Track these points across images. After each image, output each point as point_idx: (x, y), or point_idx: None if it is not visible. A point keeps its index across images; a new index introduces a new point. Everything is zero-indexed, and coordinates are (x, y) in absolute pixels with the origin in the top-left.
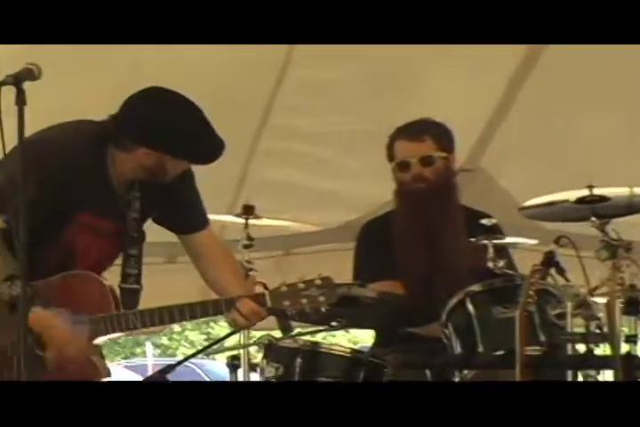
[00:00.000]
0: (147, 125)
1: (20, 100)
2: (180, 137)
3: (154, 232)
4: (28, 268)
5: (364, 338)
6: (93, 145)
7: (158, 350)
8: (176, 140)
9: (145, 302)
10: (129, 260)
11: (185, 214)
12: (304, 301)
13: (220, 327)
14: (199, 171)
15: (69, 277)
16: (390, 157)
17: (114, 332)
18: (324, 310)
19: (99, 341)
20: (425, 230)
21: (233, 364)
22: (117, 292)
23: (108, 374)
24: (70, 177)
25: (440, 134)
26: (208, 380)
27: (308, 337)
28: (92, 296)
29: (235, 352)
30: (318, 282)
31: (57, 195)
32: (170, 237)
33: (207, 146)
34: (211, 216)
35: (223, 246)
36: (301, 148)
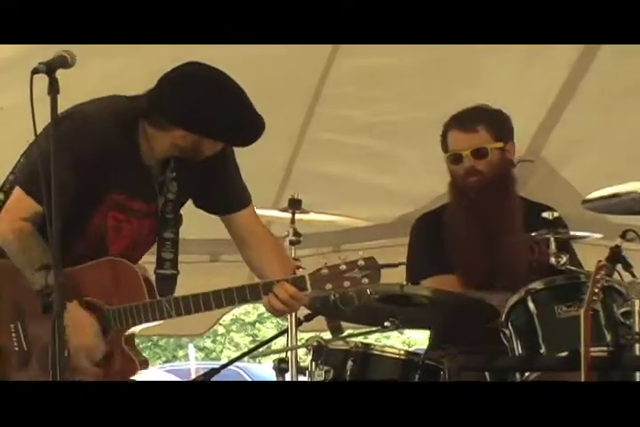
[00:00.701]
0: (184, 106)
1: (53, 89)
2: (219, 119)
3: (197, 230)
4: (61, 255)
5: (419, 340)
6: (125, 122)
7: (201, 353)
8: (215, 122)
9: None
10: (164, 244)
11: (224, 193)
12: (347, 283)
13: (267, 329)
14: (242, 162)
15: (102, 263)
16: (444, 148)
17: (147, 321)
18: (368, 292)
19: (132, 330)
20: (481, 225)
21: (280, 367)
22: (152, 278)
23: (146, 366)
24: (101, 155)
25: (495, 123)
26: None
27: (359, 339)
28: (123, 284)
29: (282, 355)
30: (361, 263)
31: (88, 174)
32: (213, 234)
33: (247, 128)
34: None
35: (266, 229)
36: (351, 139)
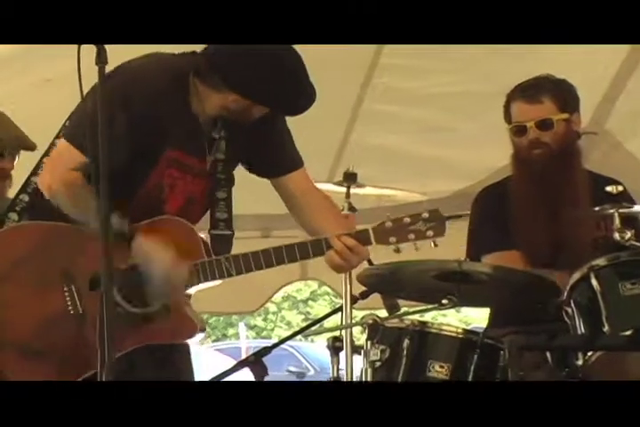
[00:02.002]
0: (242, 71)
1: (101, 59)
2: (275, 88)
3: (248, 205)
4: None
5: (477, 318)
6: (176, 78)
7: (252, 332)
8: (270, 90)
9: (243, 277)
10: (217, 204)
11: (275, 155)
12: (411, 236)
13: (320, 307)
14: (296, 134)
15: (157, 222)
16: (507, 119)
17: (206, 280)
18: (433, 246)
19: (191, 291)
20: (545, 199)
21: (334, 346)
22: (208, 239)
23: (203, 328)
24: (155, 111)
25: (560, 93)
26: (306, 363)
27: (416, 317)
28: (180, 242)
29: (336, 333)
30: (426, 215)
31: (144, 131)
32: (265, 209)
33: (300, 98)
34: None
35: (320, 190)
36: (408, 110)
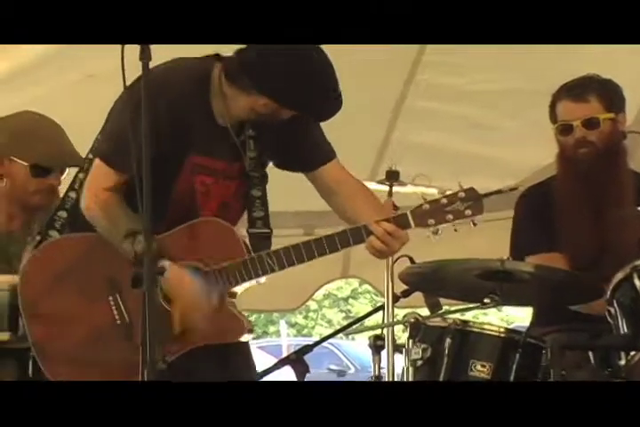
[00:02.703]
0: (273, 76)
1: (145, 55)
2: (305, 93)
3: (290, 202)
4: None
5: (519, 317)
6: (197, 81)
7: (293, 330)
8: (299, 95)
9: (284, 274)
10: (254, 202)
11: (307, 148)
12: (450, 217)
13: (360, 305)
14: (338, 132)
15: (195, 225)
16: (553, 119)
17: (250, 278)
18: (472, 225)
19: (237, 289)
20: (590, 199)
21: (376, 345)
22: (247, 239)
23: (251, 329)
24: (177, 116)
25: (606, 93)
26: (347, 362)
27: (457, 315)
28: (222, 243)
29: (378, 332)
30: (462, 195)
31: (166, 139)
32: (307, 206)
33: (330, 103)
34: None
35: (355, 178)
36: (451, 108)
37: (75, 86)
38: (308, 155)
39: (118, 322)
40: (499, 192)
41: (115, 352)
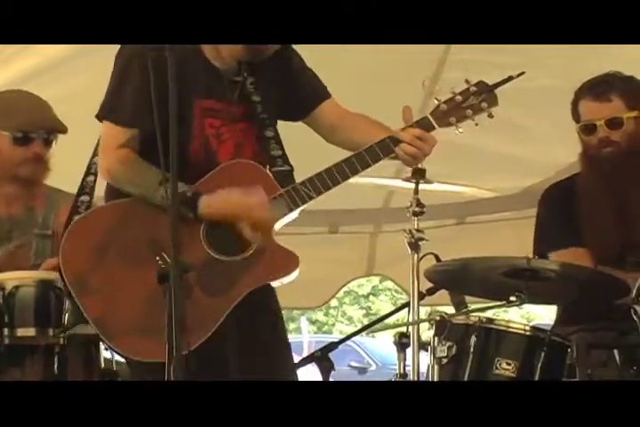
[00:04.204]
0: None
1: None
2: None
3: (315, 201)
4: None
5: (539, 314)
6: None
7: (313, 327)
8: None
9: (308, 272)
10: (269, 142)
11: (301, 89)
12: (469, 112)
13: (381, 302)
14: None
15: (223, 169)
16: (575, 118)
17: (290, 210)
18: (490, 118)
19: (282, 222)
20: (614, 198)
21: (401, 342)
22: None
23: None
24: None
25: (629, 91)
26: (368, 359)
27: (482, 314)
28: (255, 182)
29: (403, 330)
30: (474, 89)
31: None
32: (332, 204)
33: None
34: (377, 181)
35: (354, 112)
36: None
37: (96, 85)
38: (305, 94)
39: None
40: (509, 79)
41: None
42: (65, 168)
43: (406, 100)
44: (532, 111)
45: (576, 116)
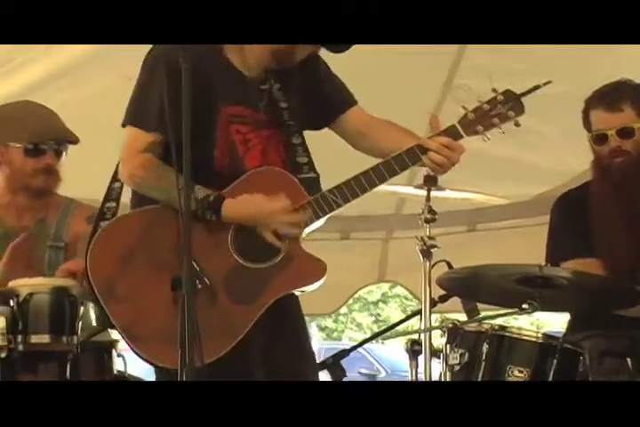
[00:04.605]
0: None
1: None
2: None
3: None
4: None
5: (549, 322)
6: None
7: (322, 334)
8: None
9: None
10: (296, 149)
11: (328, 95)
12: (496, 120)
13: (390, 309)
14: None
15: (251, 177)
16: (587, 127)
17: (317, 218)
18: (516, 126)
19: (309, 230)
20: (626, 207)
21: (413, 350)
22: None
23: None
24: (199, 69)
25: None
26: (378, 366)
27: (493, 321)
28: (282, 190)
29: (414, 337)
30: (501, 98)
31: (196, 97)
32: (343, 210)
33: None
34: (389, 188)
35: (381, 119)
36: None
37: (112, 90)
38: (332, 101)
39: (199, 286)
40: (536, 88)
41: (203, 320)
42: (80, 174)
43: (419, 105)
44: (543, 118)
45: (587, 125)
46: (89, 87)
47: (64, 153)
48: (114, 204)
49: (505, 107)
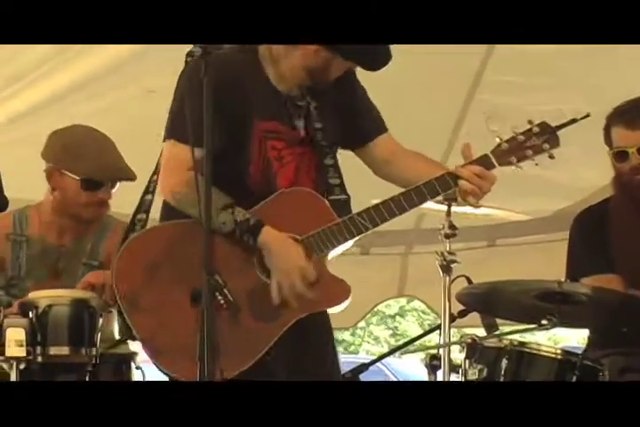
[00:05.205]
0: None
1: (207, 72)
2: None
3: None
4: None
5: (565, 337)
6: (249, 50)
7: (340, 347)
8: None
9: None
10: (328, 170)
11: (361, 118)
12: (529, 152)
13: (407, 323)
14: None
15: (281, 196)
16: (608, 143)
17: (345, 240)
18: (550, 158)
19: (335, 253)
20: None
21: (432, 364)
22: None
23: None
24: (235, 86)
25: None
26: (395, 379)
27: (512, 336)
28: (311, 211)
29: (433, 351)
30: (536, 129)
31: (231, 111)
32: None
33: (378, 52)
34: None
35: (409, 149)
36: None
37: (133, 101)
38: (365, 125)
39: (224, 305)
40: (573, 121)
41: (225, 336)
42: None
43: (440, 120)
44: (564, 134)
45: (608, 141)
46: (108, 99)
47: (117, 186)
48: (144, 215)
49: (540, 139)
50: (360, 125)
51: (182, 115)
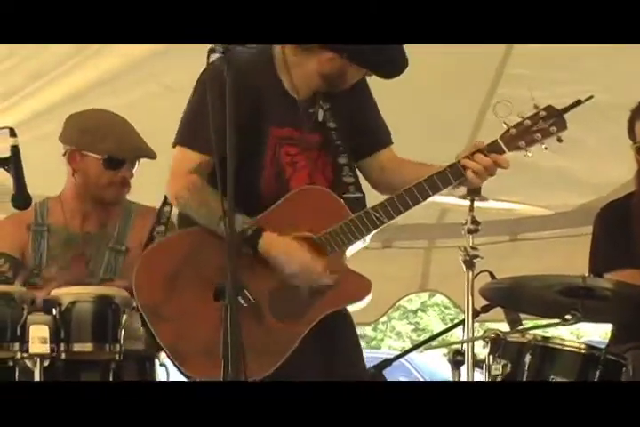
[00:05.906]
0: None
1: (229, 68)
2: (371, 49)
3: None
4: (235, 200)
5: (588, 331)
6: (262, 53)
7: (362, 342)
8: (366, 50)
9: None
10: (342, 169)
11: (372, 126)
12: (538, 136)
13: (429, 318)
14: (419, 144)
15: (294, 196)
16: (631, 137)
17: (361, 235)
18: (559, 142)
19: (354, 249)
20: None
21: (455, 360)
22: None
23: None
24: (249, 92)
25: None
26: (416, 373)
27: (536, 331)
28: (326, 208)
29: (456, 347)
30: (543, 113)
31: (245, 116)
32: None
33: (394, 59)
34: (431, 198)
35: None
36: None
37: (153, 98)
38: (374, 133)
39: (245, 305)
40: (578, 103)
41: (247, 338)
42: None
43: (462, 113)
44: (587, 127)
45: (632, 135)
46: (129, 96)
47: (137, 163)
48: (162, 227)
49: (547, 122)
50: (371, 132)
51: (193, 121)
